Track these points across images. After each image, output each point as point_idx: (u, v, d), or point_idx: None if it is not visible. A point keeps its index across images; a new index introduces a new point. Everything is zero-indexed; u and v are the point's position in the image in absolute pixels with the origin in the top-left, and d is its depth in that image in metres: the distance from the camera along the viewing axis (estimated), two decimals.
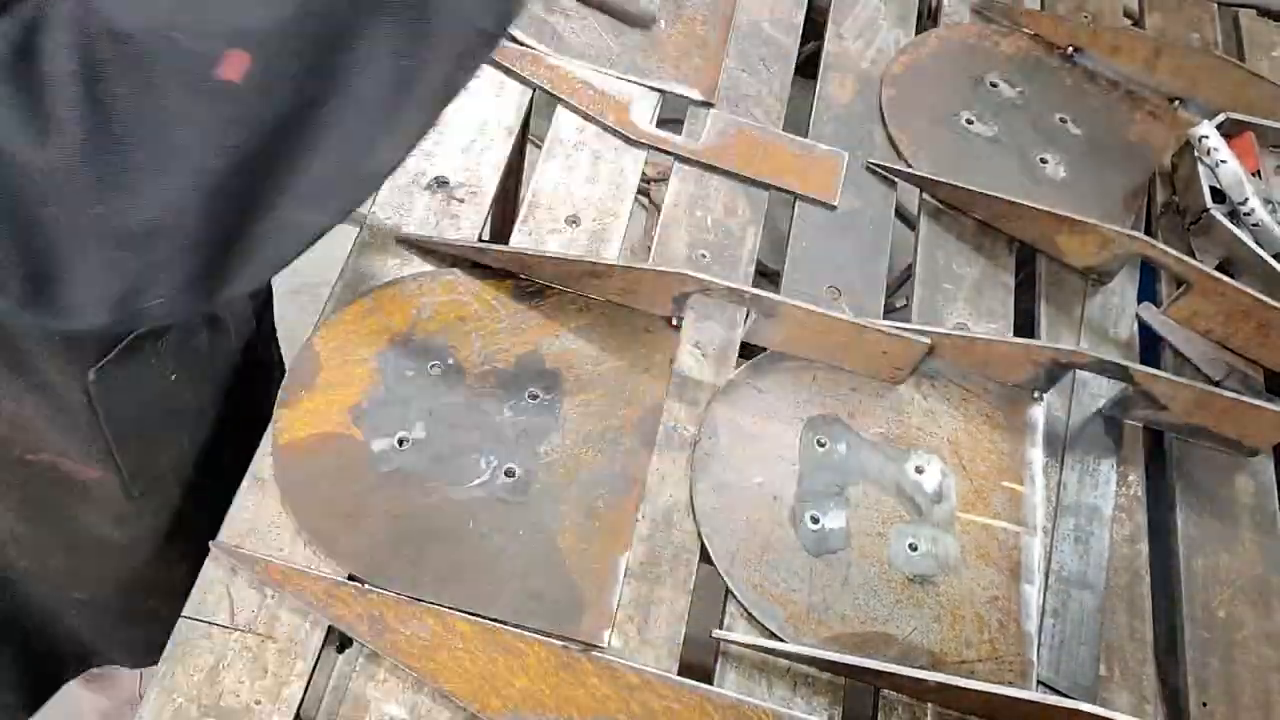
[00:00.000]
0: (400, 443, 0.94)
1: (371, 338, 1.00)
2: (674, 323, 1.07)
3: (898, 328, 1.04)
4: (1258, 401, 1.05)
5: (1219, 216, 1.22)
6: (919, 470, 1.02)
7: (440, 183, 1.12)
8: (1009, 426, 1.07)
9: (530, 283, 1.06)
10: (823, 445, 1.02)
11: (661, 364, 1.04)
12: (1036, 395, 1.09)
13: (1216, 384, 1.15)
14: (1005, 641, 0.94)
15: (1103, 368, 1.04)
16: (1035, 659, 0.94)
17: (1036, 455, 1.06)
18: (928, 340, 1.03)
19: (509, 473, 0.95)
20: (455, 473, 0.94)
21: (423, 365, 0.99)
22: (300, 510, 0.89)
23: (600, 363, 1.03)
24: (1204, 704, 0.95)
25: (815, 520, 0.97)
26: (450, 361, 1.00)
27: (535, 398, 1.00)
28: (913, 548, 0.97)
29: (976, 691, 0.84)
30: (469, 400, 0.98)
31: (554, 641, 0.86)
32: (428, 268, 1.06)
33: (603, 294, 1.06)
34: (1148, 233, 1.27)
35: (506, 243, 1.09)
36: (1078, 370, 1.08)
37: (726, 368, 1.06)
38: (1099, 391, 1.13)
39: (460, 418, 0.97)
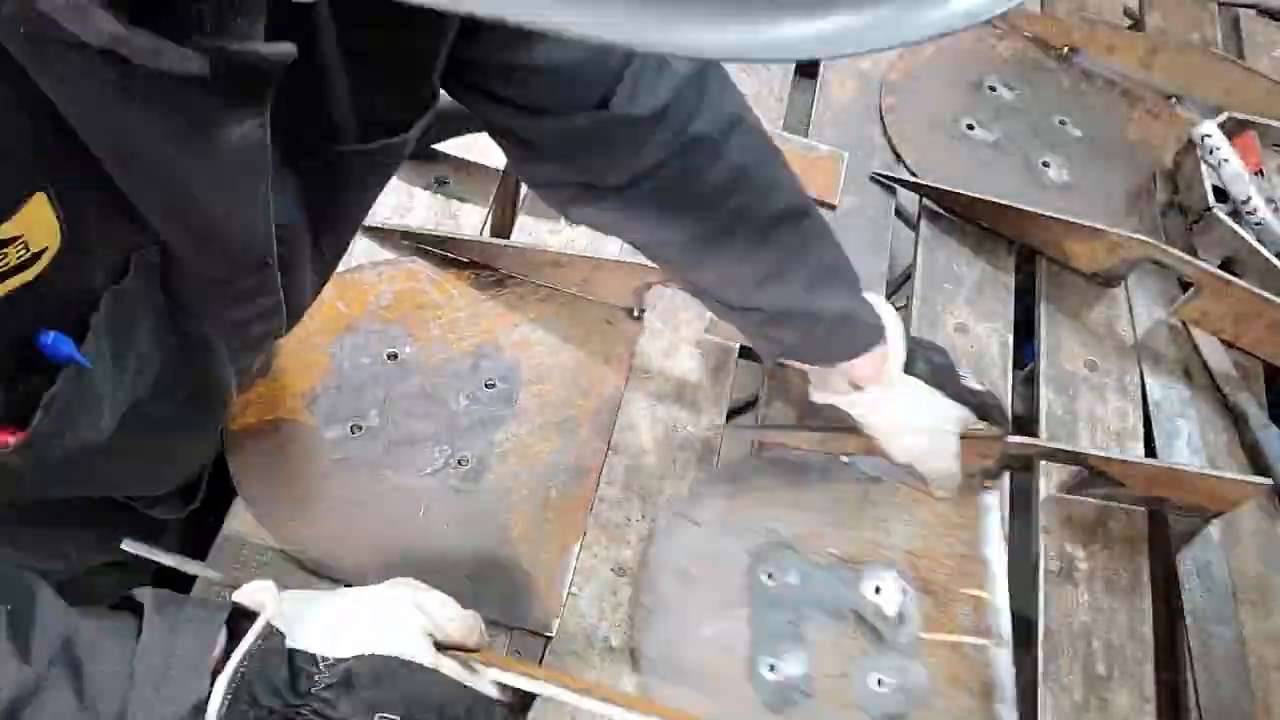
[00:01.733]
0: (353, 430, 0.94)
1: (328, 324, 0.99)
2: (635, 314, 1.06)
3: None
4: (1213, 472, 1.02)
5: (1222, 215, 1.22)
6: (877, 590, 0.94)
7: (440, 182, 1.12)
8: (963, 523, 1.00)
9: (491, 272, 1.05)
10: (772, 578, 0.94)
11: (621, 355, 1.04)
12: (988, 484, 1.02)
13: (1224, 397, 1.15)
14: None
15: (1055, 456, 1.01)
16: None
17: (994, 553, 0.99)
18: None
19: (462, 461, 0.94)
20: (408, 460, 0.94)
21: (379, 353, 0.99)
22: (252, 495, 0.89)
23: (559, 353, 1.03)
24: (1204, 704, 0.95)
25: (772, 668, 0.89)
26: (407, 350, 1.00)
27: (492, 386, 0.99)
28: (880, 683, 0.90)
29: None
30: (424, 389, 0.98)
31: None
32: (394, 256, 1.06)
33: (564, 285, 1.06)
34: (1150, 232, 1.27)
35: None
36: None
37: (726, 369, 1.06)
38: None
39: (415, 406, 0.97)
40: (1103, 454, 1.00)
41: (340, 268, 1.02)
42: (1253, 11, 1.60)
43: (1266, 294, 1.13)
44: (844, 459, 1.01)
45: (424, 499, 0.92)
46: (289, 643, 0.59)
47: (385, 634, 0.61)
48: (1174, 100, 1.42)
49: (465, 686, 0.63)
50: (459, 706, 0.62)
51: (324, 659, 0.59)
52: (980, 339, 1.15)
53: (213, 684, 0.56)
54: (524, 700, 0.68)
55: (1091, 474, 1.01)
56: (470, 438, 0.96)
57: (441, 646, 0.63)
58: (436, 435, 0.95)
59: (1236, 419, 1.14)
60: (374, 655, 0.60)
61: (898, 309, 1.05)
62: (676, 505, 0.96)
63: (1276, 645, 0.99)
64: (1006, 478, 1.04)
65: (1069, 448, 1.01)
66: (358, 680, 0.59)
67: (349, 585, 0.76)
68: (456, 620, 0.65)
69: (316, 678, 0.59)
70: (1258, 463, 1.11)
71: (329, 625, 0.61)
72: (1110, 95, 1.42)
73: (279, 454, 0.91)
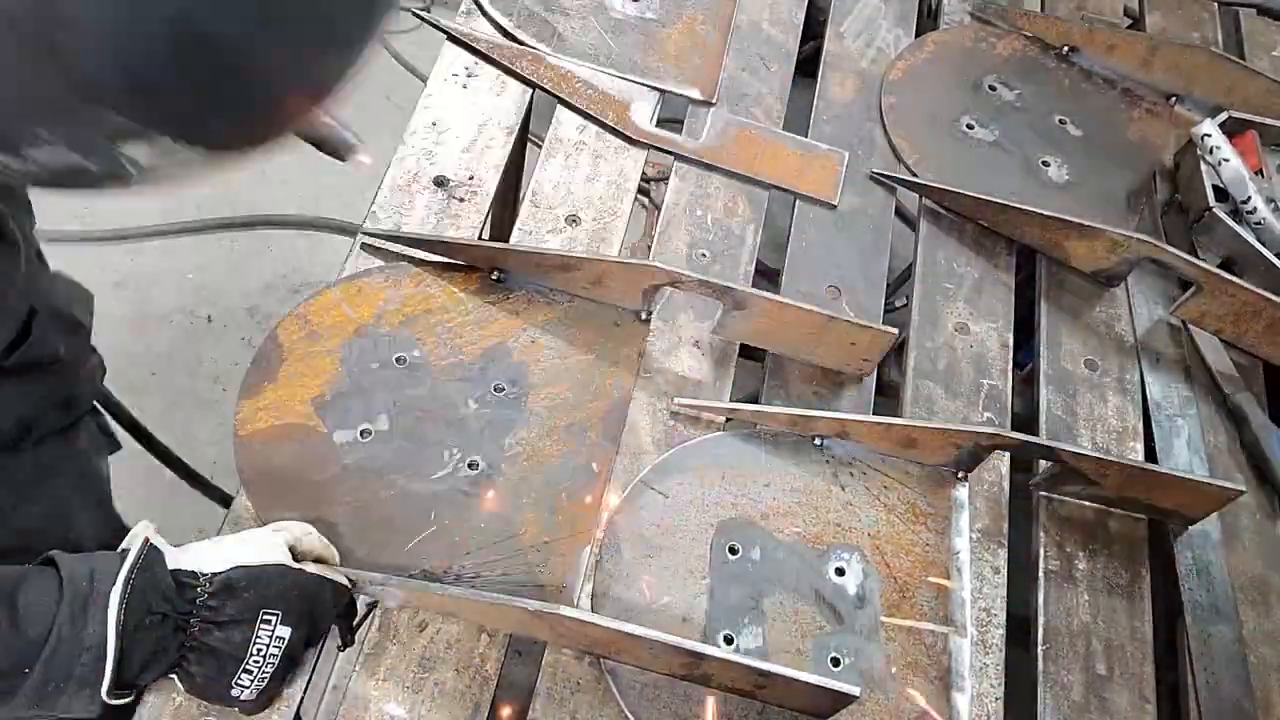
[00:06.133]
0: (363, 434, 0.94)
1: (336, 329, 1.00)
2: (643, 316, 1.06)
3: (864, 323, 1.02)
4: (1194, 476, 1.00)
5: (1222, 215, 1.22)
6: (839, 572, 0.95)
7: (440, 182, 1.12)
8: (933, 513, 1.00)
9: (499, 276, 1.06)
10: (735, 552, 0.94)
11: (630, 357, 1.04)
12: (960, 475, 1.03)
13: (1224, 396, 1.15)
14: None
15: (1026, 448, 1.00)
16: None
17: (962, 544, 0.99)
18: (894, 330, 1.02)
19: (472, 465, 0.94)
20: (418, 465, 0.94)
21: (388, 357, 0.99)
22: (262, 500, 0.89)
23: (568, 356, 1.03)
24: (1204, 704, 0.95)
25: (729, 641, 0.90)
26: (416, 354, 1.00)
27: (501, 390, 0.99)
28: (835, 662, 0.90)
29: None
30: (434, 393, 0.98)
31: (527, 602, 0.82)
32: (403, 261, 1.06)
33: (571, 287, 1.06)
34: (1150, 232, 1.27)
35: (506, 243, 1.09)
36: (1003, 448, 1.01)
37: (727, 368, 1.06)
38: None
39: (425, 410, 0.97)
40: (1075, 450, 0.99)
41: (348, 271, 1.03)
42: (1253, 11, 1.60)
43: (1266, 293, 1.13)
44: (816, 441, 1.01)
45: (434, 503, 0.92)
46: (170, 564, 0.73)
47: (251, 548, 0.76)
48: (1174, 100, 1.42)
49: (325, 579, 0.79)
50: (325, 593, 0.78)
51: (203, 574, 0.73)
52: (980, 338, 1.15)
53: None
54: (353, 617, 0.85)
55: (1065, 470, 1.01)
56: (481, 442, 0.96)
57: (301, 558, 0.80)
58: (446, 439, 0.95)
59: (1236, 418, 1.14)
60: (247, 565, 0.74)
61: (898, 308, 1.06)
62: (646, 476, 0.97)
63: (1276, 645, 0.99)
64: (1005, 478, 1.04)
65: (1041, 441, 1.00)
66: (237, 585, 0.73)
67: None
68: (313, 535, 0.82)
69: (199, 589, 0.72)
70: (1257, 462, 1.11)
71: (202, 550, 0.76)
72: (1110, 95, 1.42)
73: (289, 459, 0.91)
